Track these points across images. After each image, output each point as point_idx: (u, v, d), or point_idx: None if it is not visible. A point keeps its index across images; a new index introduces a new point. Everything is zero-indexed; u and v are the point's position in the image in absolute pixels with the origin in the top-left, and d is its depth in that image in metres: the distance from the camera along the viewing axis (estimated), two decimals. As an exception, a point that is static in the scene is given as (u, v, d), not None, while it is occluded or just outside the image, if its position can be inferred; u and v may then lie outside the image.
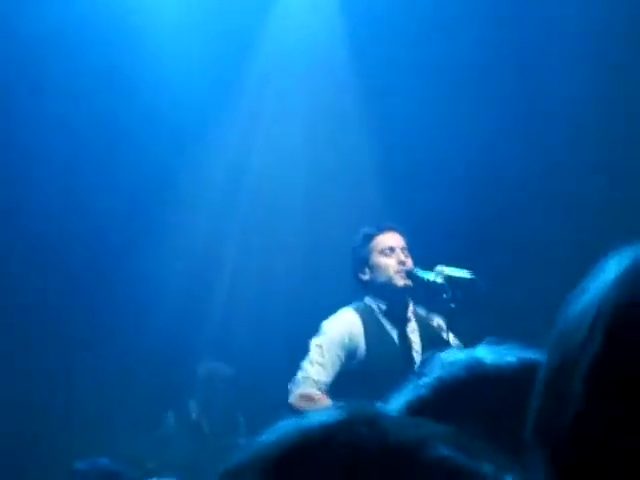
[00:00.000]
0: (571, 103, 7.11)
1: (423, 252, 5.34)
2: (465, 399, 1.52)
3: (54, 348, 7.44)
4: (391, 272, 5.12)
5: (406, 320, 5.22)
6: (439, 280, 5.04)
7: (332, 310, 5.23)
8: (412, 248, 5.25)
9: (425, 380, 1.56)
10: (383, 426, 0.88)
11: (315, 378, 5.00)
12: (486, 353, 1.55)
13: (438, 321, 5.25)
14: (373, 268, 5.17)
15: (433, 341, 5.14)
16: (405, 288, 5.13)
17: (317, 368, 5.02)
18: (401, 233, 5.25)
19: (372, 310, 5.18)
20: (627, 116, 7.11)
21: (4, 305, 7.36)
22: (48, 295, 7.48)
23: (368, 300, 5.21)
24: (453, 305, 5.04)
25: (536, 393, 0.89)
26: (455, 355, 1.60)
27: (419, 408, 1.52)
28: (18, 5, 7.29)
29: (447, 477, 0.84)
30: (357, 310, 5.18)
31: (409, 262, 5.16)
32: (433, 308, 5.28)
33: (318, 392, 4.99)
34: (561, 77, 7.20)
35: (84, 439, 6.59)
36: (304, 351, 5.12)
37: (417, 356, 5.14)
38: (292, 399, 5.03)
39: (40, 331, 7.46)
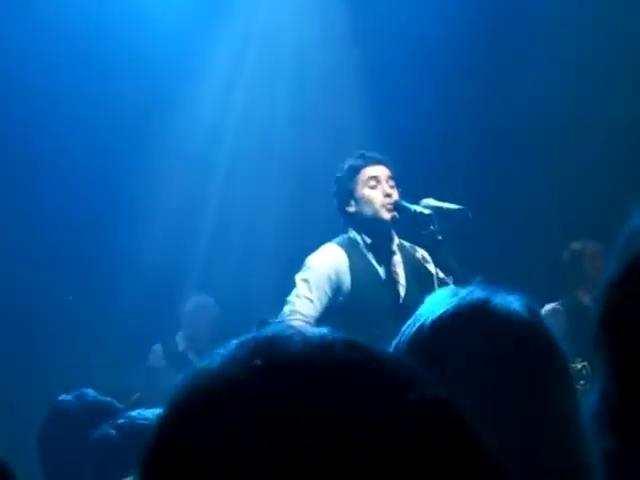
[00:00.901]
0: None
1: (410, 186, 5.30)
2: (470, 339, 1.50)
3: (42, 284, 7.44)
4: (377, 205, 5.05)
5: (391, 253, 5.16)
6: (426, 211, 4.99)
7: (318, 244, 5.20)
8: (398, 180, 5.20)
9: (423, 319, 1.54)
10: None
11: (303, 312, 4.95)
12: (493, 297, 1.52)
13: (422, 253, 5.21)
14: (358, 200, 5.10)
15: (418, 274, 5.12)
16: (391, 221, 5.07)
17: (305, 302, 4.97)
18: (387, 165, 5.16)
19: (357, 244, 5.12)
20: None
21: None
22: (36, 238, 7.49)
23: (352, 233, 5.14)
24: (440, 237, 5.00)
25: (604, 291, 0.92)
26: (456, 292, 1.58)
27: (417, 346, 1.49)
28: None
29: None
30: (342, 245, 5.12)
31: (395, 194, 5.08)
32: (419, 240, 5.24)
33: (306, 325, 4.95)
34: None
35: (70, 372, 6.58)
36: (291, 287, 5.08)
37: (402, 289, 5.12)
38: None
39: (29, 268, 7.46)
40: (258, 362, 0.86)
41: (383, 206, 5.05)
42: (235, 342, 0.91)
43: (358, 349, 0.88)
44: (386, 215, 5.06)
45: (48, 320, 7.46)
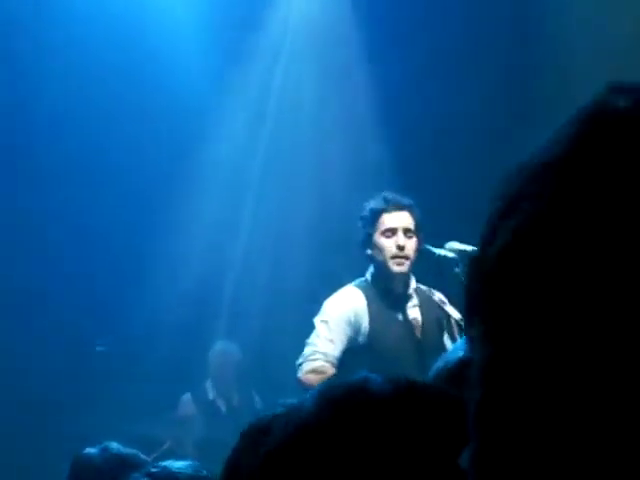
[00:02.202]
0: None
1: (434, 229, 5.30)
2: None
3: (69, 328, 7.47)
4: (387, 256, 5.10)
5: (407, 297, 5.22)
6: (450, 254, 5.02)
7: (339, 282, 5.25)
8: (423, 223, 5.20)
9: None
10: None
11: (323, 351, 5.02)
12: None
13: (439, 296, 5.23)
14: (374, 246, 5.15)
15: (435, 316, 5.16)
16: (399, 274, 5.11)
17: (325, 342, 5.03)
18: (410, 210, 5.17)
19: (374, 287, 5.18)
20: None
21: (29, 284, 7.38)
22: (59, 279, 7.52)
23: (370, 275, 5.20)
24: (465, 279, 4.98)
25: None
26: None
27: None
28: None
29: None
30: (360, 287, 5.19)
31: (410, 245, 5.11)
32: (443, 283, 5.25)
33: (327, 364, 4.99)
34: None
35: (100, 422, 6.59)
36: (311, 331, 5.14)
37: (419, 331, 5.19)
38: (301, 374, 5.05)
39: (54, 313, 7.49)
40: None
41: (393, 258, 5.09)
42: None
43: None
44: (394, 268, 5.11)
45: (78, 367, 7.47)
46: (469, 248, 5.06)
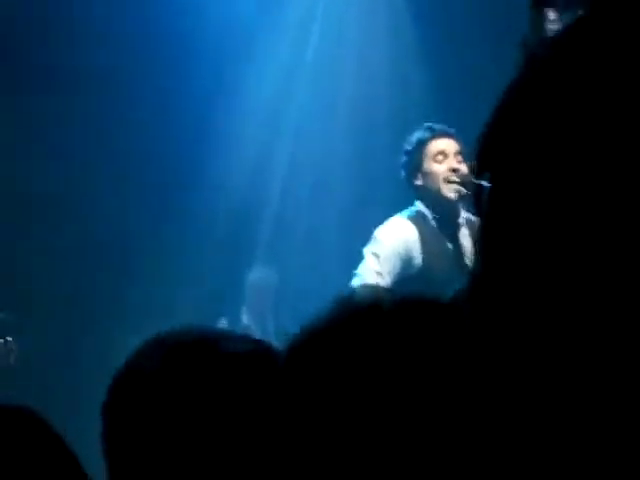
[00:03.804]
0: None
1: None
2: None
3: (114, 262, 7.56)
4: (440, 180, 5.03)
5: (457, 227, 5.15)
6: (493, 184, 4.98)
7: (385, 211, 5.20)
8: (468, 154, 5.16)
9: None
10: None
11: (373, 284, 4.94)
12: None
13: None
14: (424, 174, 5.08)
15: (474, 243, 5.09)
16: (455, 197, 5.05)
17: (374, 275, 4.93)
18: (455, 138, 5.12)
19: (425, 217, 5.11)
20: None
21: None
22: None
23: (420, 206, 5.13)
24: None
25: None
26: None
27: None
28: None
29: None
30: (410, 218, 5.11)
31: (463, 168, 5.04)
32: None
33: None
34: None
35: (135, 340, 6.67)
36: (356, 262, 5.06)
37: (470, 263, 5.12)
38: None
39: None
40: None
41: (447, 181, 5.03)
42: None
43: None
44: (449, 194, 5.04)
45: (115, 291, 7.56)
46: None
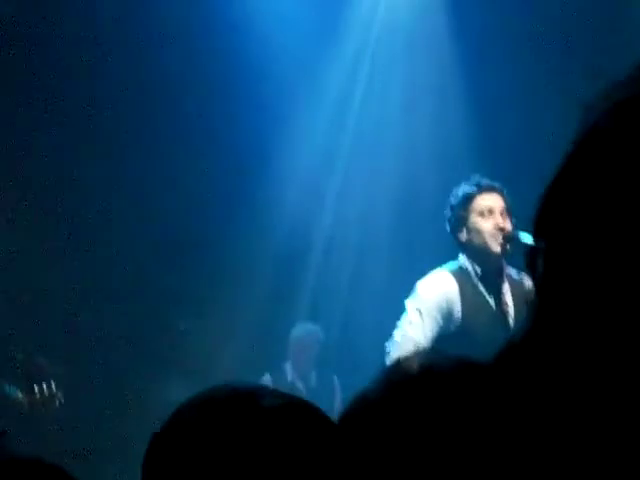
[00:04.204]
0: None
1: (523, 212, 5.26)
2: None
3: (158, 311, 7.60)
4: (487, 236, 5.03)
5: (501, 283, 5.15)
6: (537, 242, 4.96)
7: (427, 270, 5.20)
8: (512, 209, 5.16)
9: None
10: None
11: (415, 338, 4.94)
12: None
13: (529, 282, 5.15)
14: (470, 230, 5.08)
15: (526, 302, 5.06)
16: (501, 253, 5.04)
17: (416, 329, 4.95)
18: (502, 194, 5.12)
19: (468, 272, 5.10)
20: None
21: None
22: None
23: (464, 261, 5.12)
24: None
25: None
26: None
27: None
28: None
29: None
30: (453, 272, 5.10)
31: (508, 225, 5.04)
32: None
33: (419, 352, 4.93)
34: None
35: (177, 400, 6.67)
36: (398, 312, 5.07)
37: (512, 319, 5.10)
38: (389, 361, 4.97)
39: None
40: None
41: (494, 237, 5.03)
42: None
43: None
44: (496, 248, 5.03)
45: (159, 346, 7.57)
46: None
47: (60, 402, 5.81)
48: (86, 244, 7.46)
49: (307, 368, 7.40)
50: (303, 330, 7.47)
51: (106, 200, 7.53)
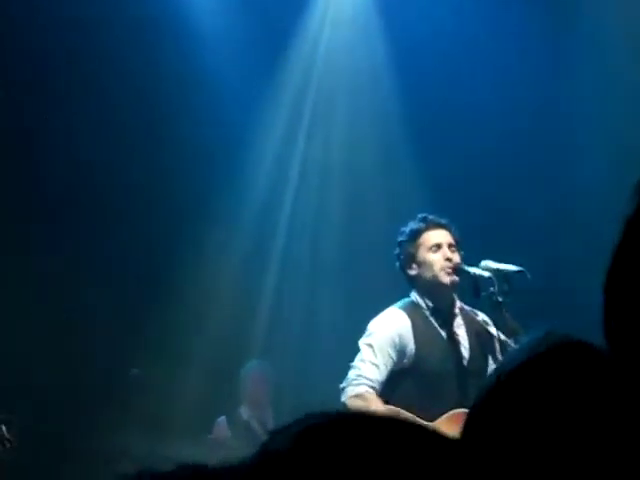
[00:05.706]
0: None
1: (468, 247, 5.34)
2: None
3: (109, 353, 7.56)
4: (437, 269, 5.10)
5: (453, 316, 5.21)
6: (486, 274, 5.04)
7: (380, 309, 5.25)
8: (460, 243, 5.24)
9: None
10: None
11: (369, 376, 4.98)
12: None
13: (483, 317, 5.23)
14: (420, 264, 5.15)
15: (480, 336, 5.15)
16: (451, 285, 5.12)
17: (370, 367, 5.00)
18: (449, 229, 5.21)
19: (419, 307, 5.17)
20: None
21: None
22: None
23: (415, 296, 5.19)
24: (500, 298, 5.02)
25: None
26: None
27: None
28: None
29: None
30: (404, 308, 5.16)
31: (456, 258, 5.13)
32: (479, 303, 5.26)
33: (371, 391, 4.98)
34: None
35: (137, 445, 6.63)
36: (353, 353, 5.11)
37: (465, 352, 5.16)
38: (345, 398, 5.00)
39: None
40: None
41: (443, 270, 5.10)
42: None
43: None
44: (446, 279, 5.11)
45: (111, 392, 7.51)
46: (504, 267, 5.09)
47: (11, 445, 5.73)
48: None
49: (262, 405, 7.38)
50: (251, 367, 7.48)
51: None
